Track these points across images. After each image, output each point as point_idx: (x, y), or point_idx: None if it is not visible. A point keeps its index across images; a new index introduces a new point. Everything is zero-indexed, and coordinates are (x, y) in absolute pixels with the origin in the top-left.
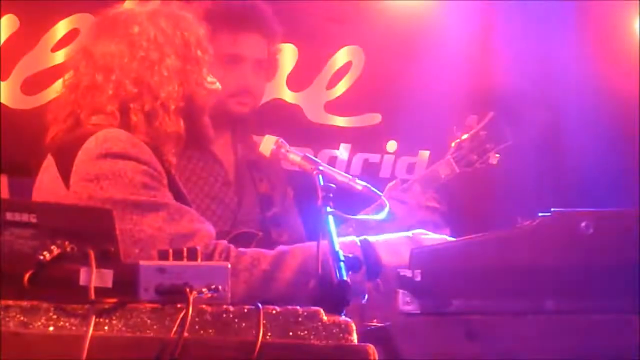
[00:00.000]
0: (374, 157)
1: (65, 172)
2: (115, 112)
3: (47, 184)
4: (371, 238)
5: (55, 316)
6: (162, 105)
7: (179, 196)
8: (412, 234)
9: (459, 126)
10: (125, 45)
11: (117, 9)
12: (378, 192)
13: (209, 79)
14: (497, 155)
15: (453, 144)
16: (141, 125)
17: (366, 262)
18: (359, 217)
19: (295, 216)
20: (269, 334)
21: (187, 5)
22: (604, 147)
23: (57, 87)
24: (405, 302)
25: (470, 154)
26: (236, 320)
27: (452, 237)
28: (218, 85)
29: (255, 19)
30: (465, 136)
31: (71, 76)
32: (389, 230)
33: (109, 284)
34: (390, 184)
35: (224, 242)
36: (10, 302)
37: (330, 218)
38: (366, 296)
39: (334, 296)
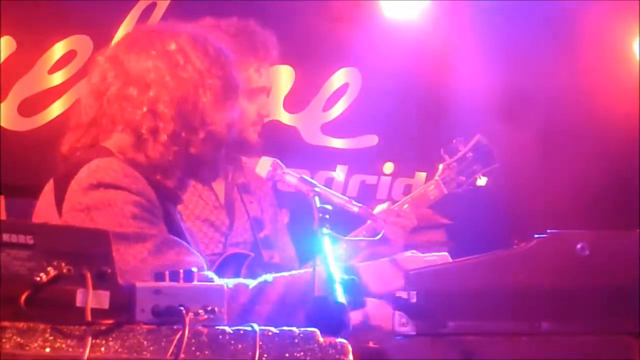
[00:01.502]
0: (371, 179)
1: (59, 199)
2: (121, 134)
3: (43, 210)
4: (359, 265)
5: (51, 337)
6: (163, 131)
7: (174, 228)
8: (403, 255)
9: (446, 148)
10: (163, 62)
11: (149, 26)
12: (374, 214)
13: (226, 116)
14: (485, 177)
15: (441, 166)
16: (159, 147)
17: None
18: (355, 239)
19: (286, 238)
20: (265, 355)
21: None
22: (602, 166)
23: (54, 109)
24: (400, 324)
25: (459, 176)
26: (232, 341)
27: (452, 256)
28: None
29: (273, 49)
30: (453, 158)
31: (96, 82)
32: (382, 251)
33: (106, 306)
34: (381, 206)
35: (206, 274)
36: (7, 324)
37: (327, 240)
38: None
39: (331, 318)
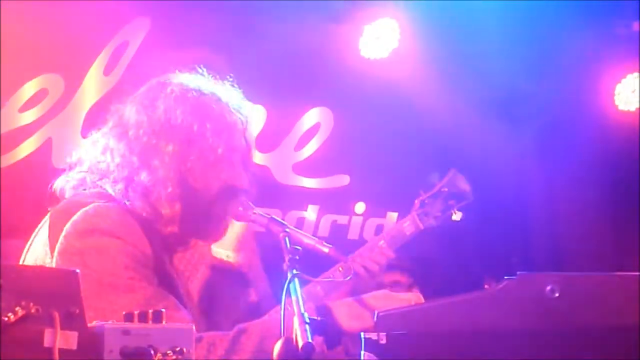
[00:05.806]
0: (342, 219)
1: (53, 240)
2: (120, 182)
3: (37, 247)
4: (332, 304)
5: None
6: (160, 185)
7: (166, 280)
8: (377, 294)
9: (422, 184)
10: (144, 116)
11: (169, 77)
12: (344, 255)
13: (224, 175)
14: (460, 212)
15: (416, 201)
16: (138, 199)
17: (320, 333)
18: (324, 280)
19: (262, 276)
20: None
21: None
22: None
23: (25, 148)
24: None
25: (434, 211)
26: None
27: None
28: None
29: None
30: (428, 193)
31: (102, 128)
32: (356, 288)
33: (74, 346)
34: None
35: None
36: None
37: (296, 281)
38: None
39: (299, 359)
